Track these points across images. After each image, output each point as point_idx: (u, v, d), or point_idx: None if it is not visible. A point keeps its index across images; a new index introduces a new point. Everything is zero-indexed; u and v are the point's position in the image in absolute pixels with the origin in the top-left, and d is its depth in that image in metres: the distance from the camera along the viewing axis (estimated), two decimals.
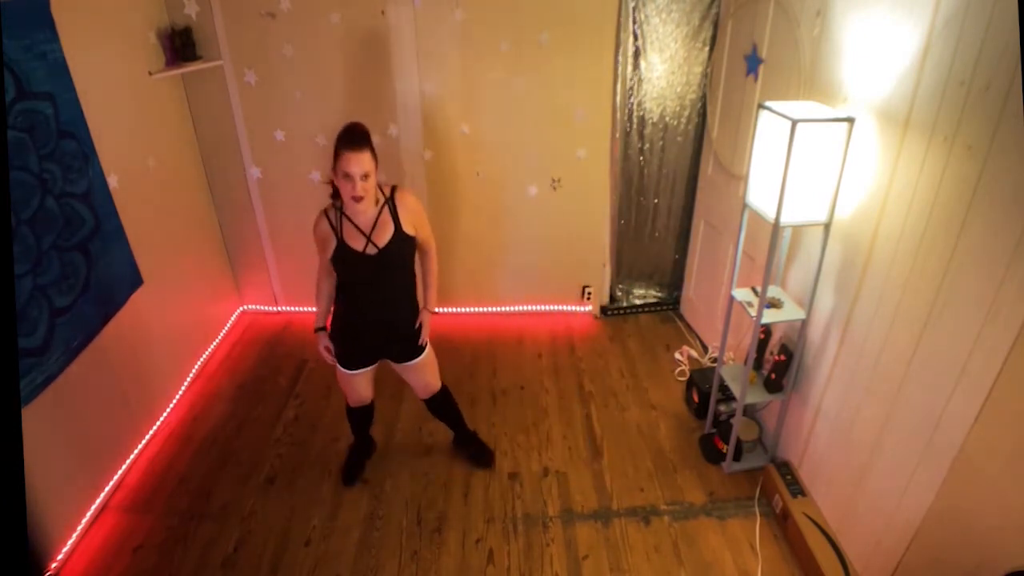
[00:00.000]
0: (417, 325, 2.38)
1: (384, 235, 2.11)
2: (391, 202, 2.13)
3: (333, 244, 2.13)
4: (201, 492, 2.69)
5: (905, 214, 1.83)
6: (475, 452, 2.80)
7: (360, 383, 2.47)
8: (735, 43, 2.92)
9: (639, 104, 3.37)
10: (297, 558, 2.40)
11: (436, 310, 2.30)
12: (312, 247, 2.21)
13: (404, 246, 2.16)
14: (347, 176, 1.97)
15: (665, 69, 3.28)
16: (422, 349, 2.41)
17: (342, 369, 2.41)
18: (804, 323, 2.39)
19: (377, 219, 2.11)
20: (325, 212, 2.14)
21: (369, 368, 2.44)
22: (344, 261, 2.13)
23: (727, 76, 3.03)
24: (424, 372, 2.48)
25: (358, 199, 2.00)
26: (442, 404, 2.66)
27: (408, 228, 2.16)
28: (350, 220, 2.11)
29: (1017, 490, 1.50)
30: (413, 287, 2.34)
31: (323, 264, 2.25)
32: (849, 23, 2.04)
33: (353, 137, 1.97)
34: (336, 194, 2.10)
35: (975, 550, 1.63)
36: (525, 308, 3.95)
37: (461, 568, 2.35)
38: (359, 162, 1.95)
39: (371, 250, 2.11)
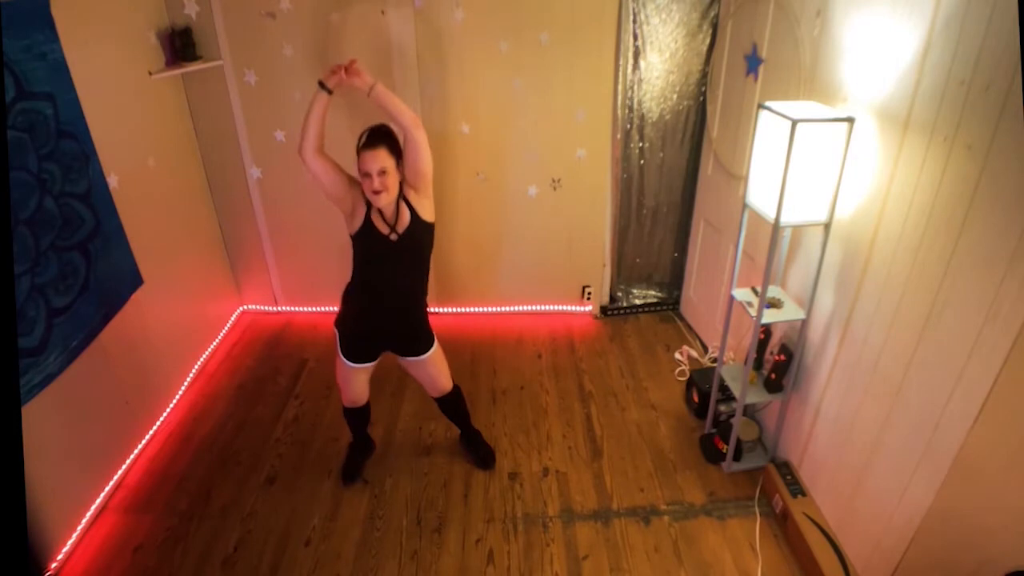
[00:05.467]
0: (421, 321, 2.41)
1: (403, 223, 2.22)
2: (401, 194, 2.21)
3: (359, 217, 2.20)
4: (201, 492, 2.69)
5: (905, 214, 1.83)
6: (477, 452, 2.81)
7: (358, 380, 2.51)
8: (735, 43, 2.92)
9: (639, 104, 3.37)
10: (297, 558, 2.40)
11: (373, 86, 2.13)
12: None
13: (422, 230, 2.25)
14: (366, 174, 2.09)
15: (665, 69, 3.28)
16: (428, 346, 2.44)
17: (344, 362, 2.44)
18: (804, 323, 2.39)
19: (397, 210, 2.21)
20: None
21: (370, 364, 2.47)
22: (368, 236, 2.21)
23: (727, 76, 3.03)
24: (431, 369, 2.51)
25: (377, 192, 2.11)
26: (453, 404, 2.70)
27: (424, 214, 2.24)
28: (378, 209, 2.21)
29: (1017, 490, 1.50)
30: (424, 284, 2.40)
31: (329, 160, 2.18)
32: (849, 23, 2.04)
33: (369, 137, 2.12)
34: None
35: (975, 550, 1.63)
36: (525, 308, 3.95)
37: (461, 568, 2.35)
38: (374, 159, 2.08)
39: (393, 236, 2.21)
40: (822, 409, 2.35)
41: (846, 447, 2.20)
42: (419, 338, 2.44)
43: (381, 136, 2.12)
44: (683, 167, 3.56)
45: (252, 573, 2.35)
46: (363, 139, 2.12)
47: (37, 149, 2.21)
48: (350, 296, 2.38)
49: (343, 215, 2.26)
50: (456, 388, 2.66)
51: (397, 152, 2.14)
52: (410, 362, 2.49)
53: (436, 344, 2.49)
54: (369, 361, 2.47)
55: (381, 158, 2.08)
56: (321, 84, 2.13)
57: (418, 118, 2.15)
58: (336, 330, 2.44)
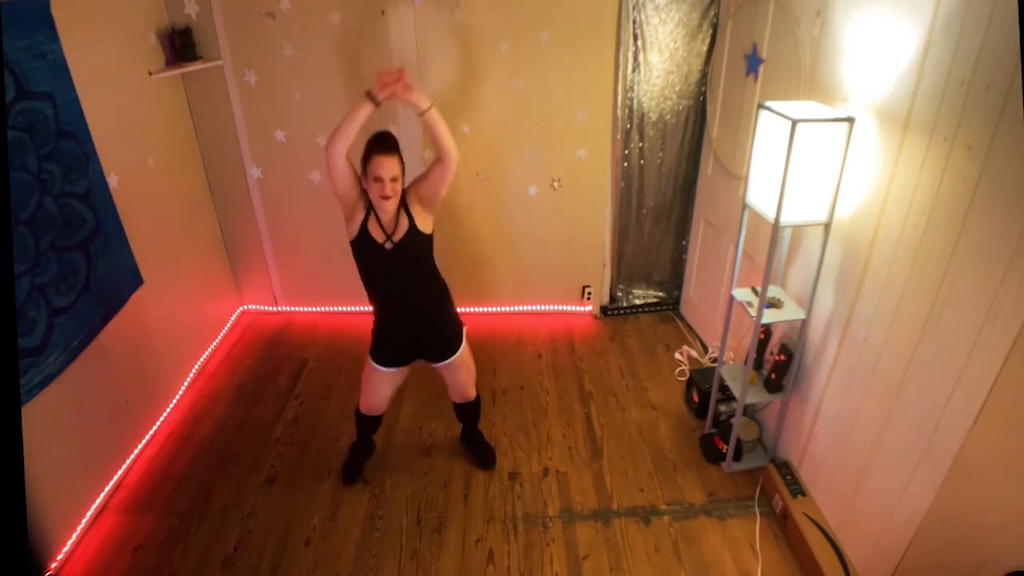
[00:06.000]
0: (443, 321, 2.42)
1: (400, 232, 2.21)
2: (404, 203, 2.22)
3: (357, 222, 2.20)
4: (201, 492, 2.69)
5: (905, 214, 1.83)
6: (477, 452, 2.81)
7: (383, 387, 2.51)
8: (735, 43, 2.92)
9: (639, 104, 3.37)
10: (297, 558, 2.40)
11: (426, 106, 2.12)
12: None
13: (418, 240, 2.24)
14: (377, 179, 2.09)
15: (665, 69, 3.28)
16: (456, 348, 2.44)
17: (371, 365, 2.44)
18: (804, 323, 2.39)
19: (397, 218, 2.21)
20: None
21: (398, 370, 2.47)
22: (363, 244, 2.21)
23: (727, 76, 3.03)
24: (460, 373, 2.52)
25: (387, 198, 2.12)
26: (470, 410, 2.72)
27: (422, 226, 2.24)
28: (376, 216, 2.21)
29: (1017, 490, 1.50)
30: (439, 287, 2.40)
31: (350, 163, 2.17)
32: (849, 23, 2.04)
33: (383, 142, 2.11)
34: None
35: (975, 550, 1.63)
36: (525, 308, 3.95)
37: (461, 568, 2.35)
38: (389, 166, 2.08)
39: (388, 245, 2.21)
40: (822, 409, 2.35)
41: (846, 447, 2.20)
42: (443, 341, 2.43)
43: (393, 144, 2.12)
44: (683, 167, 3.56)
45: (252, 573, 2.35)
46: (374, 144, 2.12)
47: (37, 149, 2.21)
48: (372, 303, 2.39)
49: (343, 214, 2.26)
50: (478, 397, 2.69)
51: (402, 160, 2.16)
52: (440, 366, 2.48)
53: (464, 348, 2.48)
54: (394, 366, 2.45)
55: (394, 165, 2.10)
56: (369, 95, 2.07)
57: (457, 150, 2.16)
58: (372, 333, 2.45)
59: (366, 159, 2.11)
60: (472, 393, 2.64)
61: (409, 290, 2.32)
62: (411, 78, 2.12)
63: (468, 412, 2.73)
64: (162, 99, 3.09)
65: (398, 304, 2.33)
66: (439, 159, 2.17)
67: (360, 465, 2.78)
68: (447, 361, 2.45)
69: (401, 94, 2.09)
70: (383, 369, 2.44)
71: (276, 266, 3.83)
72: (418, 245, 2.25)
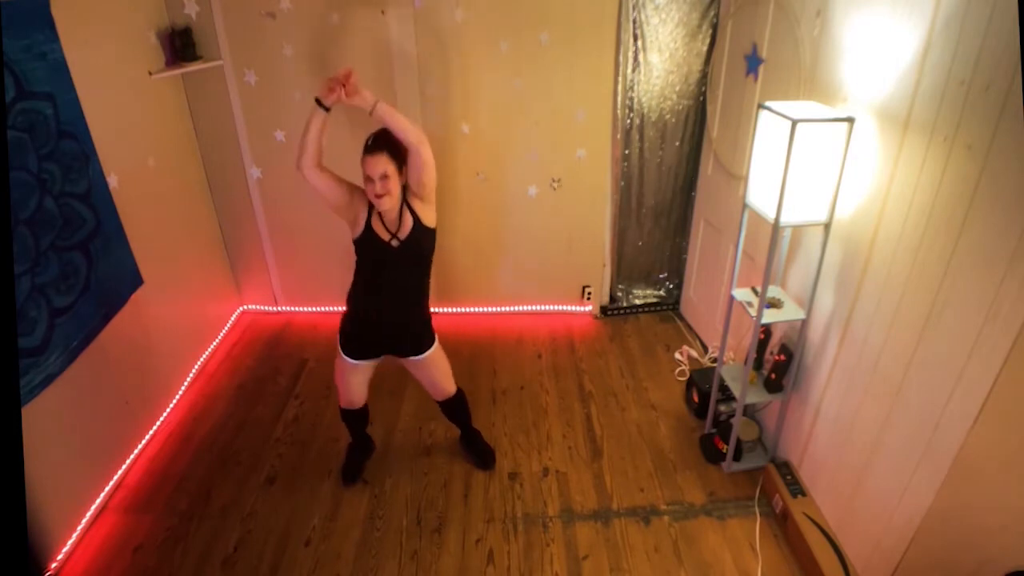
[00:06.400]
0: (422, 321, 2.43)
1: (405, 229, 2.22)
2: (405, 200, 2.22)
3: (361, 223, 2.22)
4: (201, 492, 2.69)
5: (905, 214, 1.83)
6: (477, 452, 2.81)
7: (356, 380, 2.51)
8: (735, 43, 2.92)
9: (639, 104, 3.37)
10: (297, 558, 2.40)
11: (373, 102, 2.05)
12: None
13: (424, 236, 2.25)
14: (368, 178, 2.11)
15: (665, 69, 3.28)
16: (428, 345, 2.44)
17: (342, 358, 2.45)
18: (804, 323, 2.39)
19: (400, 216, 2.21)
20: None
21: (368, 363, 2.48)
22: (369, 242, 2.22)
23: (727, 76, 3.03)
24: (432, 371, 2.51)
25: (379, 196, 2.12)
26: (455, 407, 2.70)
27: (426, 220, 2.24)
28: (379, 214, 2.22)
29: (1017, 490, 1.50)
30: (425, 286, 2.40)
31: (328, 173, 2.17)
32: (849, 23, 2.04)
33: (370, 141, 2.12)
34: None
35: (975, 550, 1.63)
36: (525, 308, 3.95)
37: (461, 568, 2.35)
38: (375, 164, 2.08)
39: (394, 243, 2.22)
40: (822, 409, 2.35)
41: (846, 447, 2.20)
42: (419, 338, 2.44)
43: (383, 141, 2.11)
44: (683, 167, 3.56)
45: (252, 573, 2.35)
46: (364, 145, 2.12)
47: (37, 149, 2.21)
48: (352, 297, 2.39)
49: (346, 223, 2.26)
50: (459, 391, 2.66)
51: (399, 157, 2.14)
52: (411, 363, 2.48)
53: (437, 345, 2.48)
54: (367, 359, 2.47)
55: (382, 163, 2.09)
56: (318, 102, 2.06)
57: (423, 135, 2.12)
58: (339, 329, 2.45)
59: (361, 162, 2.12)
60: (451, 388, 2.61)
61: (409, 287, 2.33)
62: (359, 79, 2.06)
63: (455, 408, 2.70)
64: (162, 99, 3.09)
65: (386, 297, 2.32)
66: (409, 151, 2.13)
67: (360, 465, 2.78)
68: (421, 357, 2.44)
69: (346, 98, 2.04)
70: (354, 361, 2.45)
71: (276, 266, 3.83)
72: (424, 241, 2.25)
